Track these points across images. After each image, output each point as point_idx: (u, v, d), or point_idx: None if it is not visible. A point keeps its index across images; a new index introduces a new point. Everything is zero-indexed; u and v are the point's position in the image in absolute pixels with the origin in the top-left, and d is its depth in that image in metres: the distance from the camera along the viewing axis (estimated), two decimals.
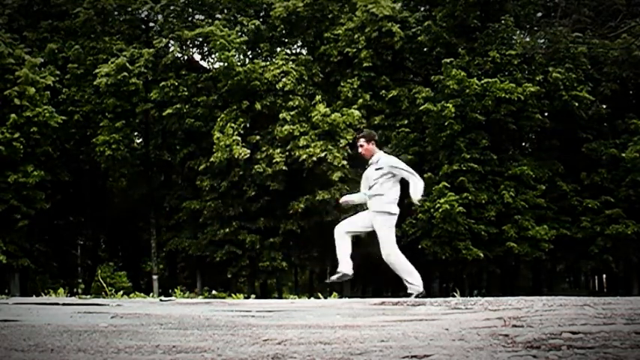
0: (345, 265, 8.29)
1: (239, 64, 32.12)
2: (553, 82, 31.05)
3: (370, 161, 8.29)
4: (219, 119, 31.40)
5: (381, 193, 8.12)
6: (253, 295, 16.79)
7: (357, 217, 8.47)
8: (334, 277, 8.36)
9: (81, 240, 42.08)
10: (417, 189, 8.05)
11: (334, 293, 13.87)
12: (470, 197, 30.06)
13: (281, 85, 31.30)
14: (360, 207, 8.67)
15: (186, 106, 32.57)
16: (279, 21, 33.28)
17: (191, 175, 33.74)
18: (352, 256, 8.24)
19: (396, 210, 8.19)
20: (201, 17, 35.56)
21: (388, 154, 8.69)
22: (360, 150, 8.48)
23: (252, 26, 33.10)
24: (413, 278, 8.03)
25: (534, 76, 31.68)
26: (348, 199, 8.62)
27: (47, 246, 34.57)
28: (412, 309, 5.45)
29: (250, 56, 34.41)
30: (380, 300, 6.83)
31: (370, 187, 8.22)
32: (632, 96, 35.69)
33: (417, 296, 7.84)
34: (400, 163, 8.29)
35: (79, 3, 34.06)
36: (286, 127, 30.85)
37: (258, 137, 31.53)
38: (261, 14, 35.48)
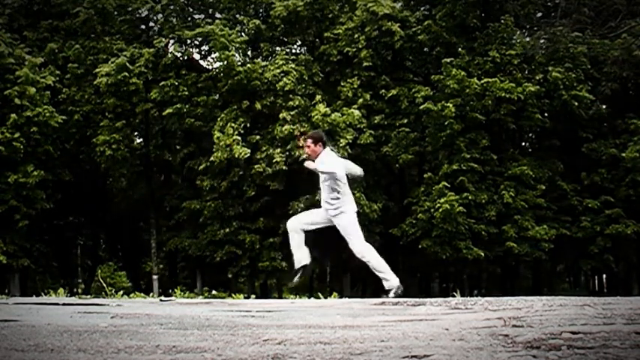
0: (301, 257, 8.27)
1: (239, 63, 32.11)
2: (553, 81, 31.03)
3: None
4: (219, 119, 31.39)
5: (333, 195, 8.13)
6: (253, 295, 16.79)
7: (312, 213, 8.47)
8: (297, 278, 8.34)
9: (81, 240, 42.05)
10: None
11: (334, 293, 13.87)
12: (470, 197, 30.04)
13: (281, 85, 31.27)
14: None
15: (186, 106, 32.55)
16: (279, 20, 33.26)
17: (191, 175, 33.72)
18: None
19: (352, 207, 8.20)
20: (202, 17, 35.56)
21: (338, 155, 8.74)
22: (306, 151, 8.48)
23: (253, 26, 33.10)
24: (388, 274, 8.04)
25: (534, 75, 31.68)
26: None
27: (47, 246, 34.52)
28: (412, 309, 5.44)
29: (250, 56, 34.40)
30: (380, 300, 6.83)
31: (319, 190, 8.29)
32: (632, 96, 35.65)
33: (395, 292, 7.87)
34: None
35: (79, 3, 34.01)
36: (286, 126, 30.83)
37: (258, 137, 31.51)
38: (262, 14, 35.47)
